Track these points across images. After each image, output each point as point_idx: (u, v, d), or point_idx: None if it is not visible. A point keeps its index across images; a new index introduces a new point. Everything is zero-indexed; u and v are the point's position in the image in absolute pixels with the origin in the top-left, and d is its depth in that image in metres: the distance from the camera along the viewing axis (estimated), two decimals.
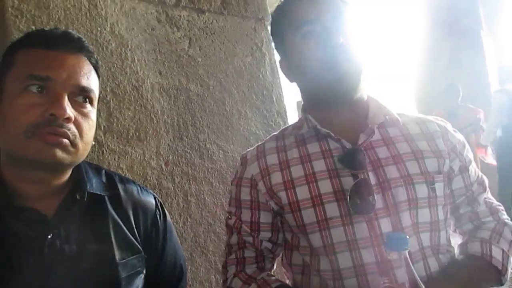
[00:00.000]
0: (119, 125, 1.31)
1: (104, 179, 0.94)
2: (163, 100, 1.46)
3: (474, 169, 1.01)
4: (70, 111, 0.78)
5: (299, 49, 0.94)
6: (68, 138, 0.78)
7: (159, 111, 1.44)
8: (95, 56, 0.89)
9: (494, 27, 5.79)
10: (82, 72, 0.83)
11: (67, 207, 0.84)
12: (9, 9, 1.14)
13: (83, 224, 0.85)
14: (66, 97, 0.79)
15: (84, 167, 0.90)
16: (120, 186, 0.94)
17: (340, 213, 0.87)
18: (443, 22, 5.35)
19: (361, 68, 0.92)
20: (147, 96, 1.41)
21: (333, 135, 0.93)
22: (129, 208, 0.93)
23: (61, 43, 0.83)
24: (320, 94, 0.95)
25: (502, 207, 1.02)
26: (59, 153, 0.78)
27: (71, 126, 0.79)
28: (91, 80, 0.84)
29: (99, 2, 1.33)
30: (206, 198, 1.51)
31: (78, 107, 0.81)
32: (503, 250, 0.92)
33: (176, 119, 1.48)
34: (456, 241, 0.99)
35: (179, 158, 1.47)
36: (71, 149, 0.79)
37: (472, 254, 0.92)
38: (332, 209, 0.88)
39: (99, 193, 0.89)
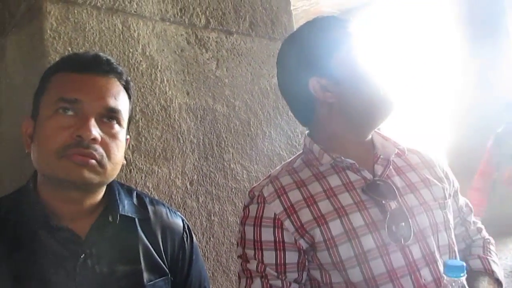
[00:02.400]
0: (147, 145, 1.34)
1: (135, 200, 0.96)
2: (190, 120, 1.49)
3: (459, 192, 1.09)
4: (96, 132, 0.81)
5: (356, 68, 0.93)
6: (95, 158, 0.81)
7: (185, 131, 1.46)
8: (126, 77, 0.91)
9: None
10: (110, 93, 0.85)
11: (100, 228, 0.87)
12: (48, 31, 1.19)
13: (114, 245, 0.87)
14: (93, 119, 0.82)
15: (116, 188, 0.93)
16: (150, 208, 0.97)
17: (376, 244, 0.87)
18: (471, 41, 5.28)
19: None
20: (174, 116, 1.44)
21: (357, 165, 0.93)
22: (158, 231, 0.95)
23: (90, 66, 0.86)
24: (365, 118, 0.95)
25: (482, 225, 1.14)
26: (87, 173, 0.81)
27: (98, 147, 0.82)
28: (119, 101, 0.87)
29: (132, 24, 1.37)
30: (229, 218, 1.52)
31: (105, 127, 0.84)
32: (496, 263, 1.03)
33: (202, 138, 1.51)
34: None
35: (204, 177, 1.49)
36: (99, 169, 0.82)
37: (478, 271, 1.00)
38: (368, 242, 0.87)
39: (130, 215, 0.92)
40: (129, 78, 0.94)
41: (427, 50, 5.88)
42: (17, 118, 1.33)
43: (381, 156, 0.97)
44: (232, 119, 1.62)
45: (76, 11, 1.23)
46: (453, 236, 0.96)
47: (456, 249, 0.96)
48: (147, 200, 0.99)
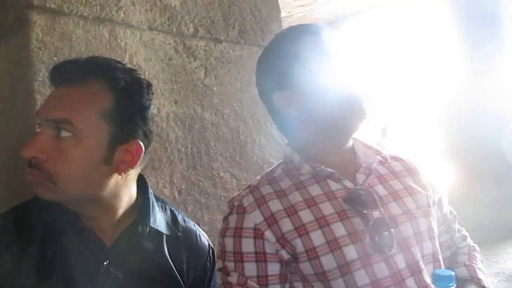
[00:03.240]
0: None
1: (168, 216, 0.98)
2: (178, 129, 1.49)
3: (445, 200, 1.08)
4: (34, 150, 0.78)
5: (314, 81, 0.92)
6: (40, 176, 0.79)
7: (173, 140, 1.46)
8: (111, 78, 0.85)
9: None
10: (58, 104, 0.81)
11: (128, 237, 0.88)
12: (34, 41, 1.19)
13: (139, 257, 0.88)
14: (43, 134, 0.80)
15: (151, 200, 0.94)
16: (181, 226, 0.99)
17: (359, 255, 0.86)
18: (466, 47, 5.31)
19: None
20: (162, 125, 1.44)
21: (337, 175, 0.92)
22: (184, 250, 0.96)
23: (56, 77, 0.86)
24: (329, 129, 0.95)
25: (467, 233, 1.13)
26: (41, 191, 0.80)
27: (43, 164, 0.78)
28: (69, 109, 0.80)
29: (119, 33, 1.37)
30: (219, 227, 1.51)
31: (55, 141, 0.80)
32: (482, 271, 1.02)
33: (190, 147, 1.50)
34: None
35: (192, 186, 1.48)
36: (51, 186, 0.79)
37: (464, 279, 0.99)
38: (350, 252, 0.86)
39: (160, 230, 0.92)
40: (119, 76, 0.86)
41: (425, 56, 5.91)
42: (5, 130, 1.33)
43: (363, 165, 0.96)
44: (221, 127, 1.62)
45: (62, 21, 1.23)
46: (437, 245, 0.96)
47: (440, 257, 0.95)
48: (179, 217, 1.00)
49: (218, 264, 0.94)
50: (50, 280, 0.80)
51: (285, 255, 0.89)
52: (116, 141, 0.84)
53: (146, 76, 1.42)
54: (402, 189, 0.96)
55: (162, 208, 0.98)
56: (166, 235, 0.93)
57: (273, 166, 1.04)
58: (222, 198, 1.56)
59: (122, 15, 1.38)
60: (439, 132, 5.80)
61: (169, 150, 1.44)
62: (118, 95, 0.84)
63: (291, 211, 0.90)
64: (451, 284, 0.75)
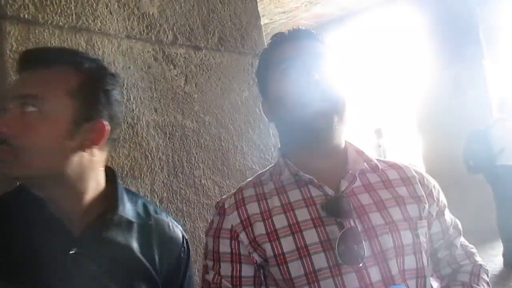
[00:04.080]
0: (113, 163, 1.32)
1: (139, 206, 0.97)
2: (158, 137, 1.48)
3: (448, 213, 1.03)
4: (0, 125, 0.81)
5: (277, 86, 0.95)
6: (6, 151, 0.81)
7: (154, 148, 1.45)
8: (78, 62, 0.90)
9: (495, 54, 5.83)
10: (27, 82, 0.86)
11: (96, 227, 0.87)
12: (7, 52, 1.17)
13: (108, 246, 0.88)
14: (7, 111, 0.83)
15: (120, 190, 0.94)
16: (153, 217, 0.98)
17: (328, 264, 0.84)
18: (444, 53, 5.40)
19: (337, 109, 0.91)
20: (142, 133, 1.43)
21: (315, 181, 0.91)
22: (156, 240, 0.96)
23: (24, 63, 0.90)
24: (295, 134, 0.95)
25: (475, 250, 1.05)
26: (5, 168, 0.82)
27: (9, 139, 0.81)
28: (33, 85, 0.84)
29: (97, 42, 1.36)
30: (201, 235, 1.50)
31: (20, 116, 0.83)
32: None
33: (171, 155, 1.50)
34: (434, 285, 0.99)
35: (174, 194, 1.47)
36: (15, 161, 0.81)
37: None
38: (319, 260, 0.85)
39: (129, 218, 0.92)
40: (85, 61, 0.91)
41: (401, 62, 5.99)
42: None
43: (350, 171, 0.94)
44: (202, 134, 1.61)
45: (37, 31, 1.22)
46: (424, 260, 0.90)
47: (426, 273, 0.91)
48: (151, 208, 1.00)
49: (202, 261, 0.99)
50: (21, 272, 0.81)
51: (257, 258, 0.90)
52: (81, 119, 0.87)
53: (125, 85, 1.41)
54: (390, 199, 0.92)
55: (133, 198, 0.98)
56: (137, 224, 0.93)
57: (266, 168, 1.05)
58: (204, 206, 1.55)
59: (99, 24, 1.37)
60: (419, 136, 5.89)
61: (150, 159, 1.43)
62: (84, 77, 0.89)
63: (266, 215, 0.91)
64: None
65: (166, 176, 1.46)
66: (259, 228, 0.90)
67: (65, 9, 1.28)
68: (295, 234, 0.87)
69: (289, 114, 0.92)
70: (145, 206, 0.99)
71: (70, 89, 0.87)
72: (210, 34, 1.73)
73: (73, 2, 1.30)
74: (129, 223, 0.92)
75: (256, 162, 1.77)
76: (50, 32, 1.24)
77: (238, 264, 0.91)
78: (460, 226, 1.05)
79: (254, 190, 0.97)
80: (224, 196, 1.01)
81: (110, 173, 0.98)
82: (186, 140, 1.56)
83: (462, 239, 1.04)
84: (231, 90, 1.77)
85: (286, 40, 0.97)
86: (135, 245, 0.91)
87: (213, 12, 1.76)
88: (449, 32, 5.38)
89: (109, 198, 0.92)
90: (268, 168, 1.04)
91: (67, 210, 0.87)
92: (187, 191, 1.51)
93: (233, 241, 0.92)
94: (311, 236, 0.87)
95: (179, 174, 1.50)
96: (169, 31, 1.58)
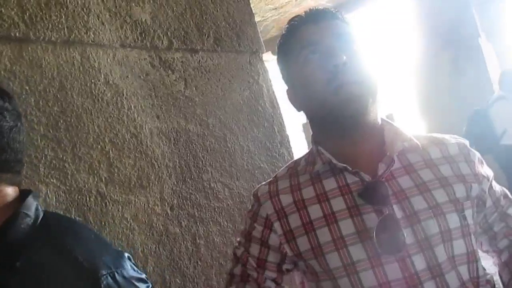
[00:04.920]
0: (120, 175, 1.30)
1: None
2: (163, 144, 1.45)
3: (496, 184, 0.96)
4: None
5: (302, 72, 0.90)
6: None
7: (159, 156, 1.43)
8: None
9: (492, 32, 5.79)
10: None
11: None
12: (2, 72, 1.15)
13: None
14: None
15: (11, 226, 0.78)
16: (24, 255, 0.76)
17: (367, 255, 0.80)
18: (440, 34, 5.36)
19: (369, 89, 0.86)
20: (146, 142, 1.40)
21: (350, 168, 0.86)
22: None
23: None
24: (327, 121, 0.89)
25: None
26: None
27: None
28: None
29: (91, 54, 1.34)
30: (215, 239, 1.48)
31: None
32: None
33: (178, 161, 1.47)
34: (487, 263, 0.92)
35: (184, 200, 1.45)
36: None
37: None
38: (357, 251, 0.81)
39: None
40: None
41: (397, 46, 5.96)
42: None
43: (388, 153, 0.87)
44: (207, 137, 1.59)
45: (30, 48, 1.20)
46: (474, 243, 0.84)
47: (477, 256, 0.84)
48: (32, 245, 0.77)
49: (238, 235, 1.05)
50: None
51: (288, 250, 0.90)
52: None
53: (125, 94, 1.39)
54: (434, 180, 0.85)
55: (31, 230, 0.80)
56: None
57: (302, 155, 1.02)
58: (216, 209, 1.52)
59: (92, 35, 1.34)
60: (422, 119, 5.84)
61: (157, 167, 1.40)
62: None
63: (300, 206, 0.89)
64: None
65: (175, 183, 1.44)
66: (295, 220, 0.89)
67: (56, 23, 1.25)
68: (331, 225, 0.84)
69: (320, 102, 0.87)
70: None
71: None
72: (205, 35, 1.70)
73: (63, 16, 1.27)
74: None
75: (264, 160, 1.75)
76: (43, 48, 1.22)
77: (266, 249, 0.94)
78: (510, 195, 0.98)
79: (289, 181, 0.95)
80: (259, 185, 1.02)
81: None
82: (192, 145, 1.53)
83: None
84: (231, 90, 1.74)
85: (305, 23, 0.91)
86: None
87: (206, 13, 1.74)
88: (443, 12, 5.34)
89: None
90: (303, 154, 1.01)
91: None
92: (197, 196, 1.48)
93: (265, 229, 0.94)
94: (347, 226, 0.83)
95: (188, 179, 1.48)
96: (163, 36, 1.56)
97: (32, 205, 0.83)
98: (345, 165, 0.86)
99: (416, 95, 5.85)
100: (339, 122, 0.87)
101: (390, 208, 0.81)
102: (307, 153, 0.99)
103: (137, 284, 0.81)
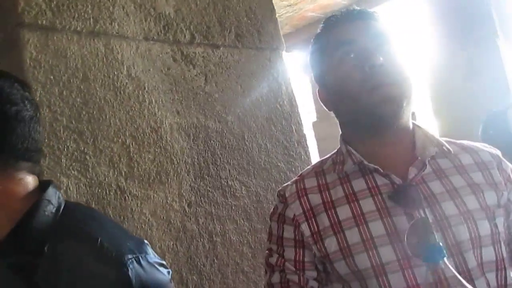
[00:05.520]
0: (140, 170, 1.29)
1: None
2: (182, 140, 1.44)
3: None
4: None
5: (337, 72, 0.89)
6: None
7: (179, 152, 1.41)
8: None
9: (509, 32, 5.70)
10: None
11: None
12: (27, 60, 1.14)
13: None
14: None
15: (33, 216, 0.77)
16: (49, 246, 0.75)
17: (397, 256, 0.79)
18: (456, 34, 5.30)
19: (405, 92, 0.85)
20: (166, 137, 1.39)
21: (381, 170, 0.85)
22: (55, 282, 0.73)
23: None
24: (360, 122, 0.88)
25: None
26: None
27: None
28: None
29: (115, 46, 1.32)
30: (232, 237, 1.47)
31: None
32: None
33: (196, 158, 1.46)
34: None
35: (202, 198, 1.43)
36: None
37: None
38: (387, 253, 0.80)
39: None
40: None
41: (414, 47, 5.89)
42: None
43: (419, 157, 0.86)
44: (226, 134, 1.57)
45: (56, 38, 1.18)
46: (503, 251, 0.83)
47: (507, 264, 0.83)
48: (56, 232, 0.76)
49: (266, 245, 0.98)
50: None
51: (316, 251, 0.88)
52: None
53: (146, 88, 1.37)
54: (465, 186, 0.85)
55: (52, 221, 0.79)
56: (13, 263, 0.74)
57: (328, 154, 1.00)
58: (232, 207, 1.51)
59: (117, 27, 1.33)
60: (435, 120, 5.79)
61: (176, 162, 1.39)
62: None
63: (329, 206, 0.88)
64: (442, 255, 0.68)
65: (193, 180, 1.43)
66: (324, 220, 0.87)
67: (82, 13, 1.24)
68: (360, 226, 0.83)
69: (354, 102, 0.86)
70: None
71: None
72: (227, 31, 1.68)
73: (89, 6, 1.26)
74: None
75: (281, 159, 1.73)
76: (69, 38, 1.21)
77: (301, 249, 0.90)
78: None
79: (316, 180, 0.93)
80: (285, 184, 0.99)
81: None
82: (210, 142, 1.52)
83: None
84: (251, 87, 1.72)
85: (341, 22, 0.91)
86: None
87: (229, 8, 1.71)
88: (461, 12, 5.27)
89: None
90: (330, 154, 0.99)
91: None
92: (214, 193, 1.47)
93: (296, 229, 0.91)
94: (377, 228, 0.82)
95: (206, 176, 1.47)
96: (186, 30, 1.54)
97: (54, 194, 0.83)
98: (376, 166, 0.86)
99: (430, 95, 5.79)
100: (372, 123, 0.87)
101: (421, 211, 0.81)
102: (334, 153, 0.98)
103: (160, 268, 0.82)
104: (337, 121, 0.98)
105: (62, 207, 0.82)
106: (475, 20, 5.24)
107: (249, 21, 1.79)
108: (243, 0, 1.78)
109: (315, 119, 5.81)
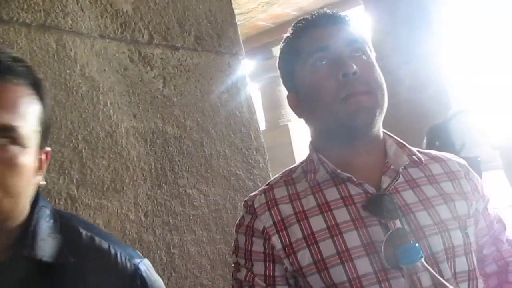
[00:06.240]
0: (93, 177, 1.19)
1: (62, 239, 0.75)
2: (139, 145, 1.35)
3: (491, 207, 0.95)
4: None
5: (309, 80, 0.86)
6: None
7: (135, 158, 1.32)
8: (32, 76, 0.73)
9: (451, 47, 5.97)
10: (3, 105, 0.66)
11: (6, 271, 0.69)
12: None
13: None
14: None
15: (36, 219, 0.73)
16: (83, 250, 0.75)
17: (373, 268, 0.77)
18: (402, 48, 5.50)
19: (378, 100, 0.82)
20: (121, 142, 1.30)
21: (354, 179, 0.82)
22: (88, 277, 0.74)
23: None
24: (333, 131, 0.85)
25: None
26: None
27: None
28: (16, 114, 0.67)
29: (68, 42, 1.22)
30: (190, 249, 1.39)
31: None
32: None
33: (153, 165, 1.37)
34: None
35: (159, 207, 1.35)
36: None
37: None
38: (363, 266, 0.77)
39: (40, 258, 0.71)
40: (37, 75, 0.75)
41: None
42: None
43: (392, 166, 0.84)
44: (184, 140, 1.50)
45: (1, 29, 1.07)
46: (475, 261, 0.83)
47: (478, 274, 0.83)
48: (85, 237, 0.77)
49: (232, 258, 0.92)
50: None
51: (288, 265, 0.82)
52: (39, 149, 0.74)
53: (101, 89, 1.28)
54: (437, 196, 0.84)
55: (55, 227, 0.76)
56: (58, 264, 0.73)
57: (296, 163, 0.95)
58: (191, 217, 1.44)
59: (70, 22, 1.23)
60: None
61: (132, 169, 1.30)
62: (43, 96, 0.75)
63: (301, 217, 0.83)
64: (419, 256, 0.66)
65: (150, 188, 1.34)
66: (296, 232, 0.82)
67: (32, 4, 1.13)
68: (335, 237, 0.79)
69: (327, 111, 0.83)
70: (74, 234, 0.77)
71: (39, 115, 0.72)
72: (186, 33, 1.62)
73: None
74: (45, 263, 0.72)
75: (240, 167, 1.68)
76: (16, 30, 1.10)
77: (271, 263, 0.85)
78: (504, 220, 0.97)
79: (286, 189, 0.89)
80: (252, 193, 0.93)
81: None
82: (168, 147, 1.44)
83: (507, 233, 0.96)
84: (210, 92, 1.67)
85: (313, 27, 0.87)
86: None
87: (188, 9, 1.65)
88: (407, 28, 5.47)
89: (20, 233, 0.72)
90: (298, 163, 0.95)
91: None
92: (172, 202, 1.39)
93: (266, 242, 0.85)
94: (352, 239, 0.78)
95: (163, 184, 1.38)
96: (144, 30, 1.46)
97: (44, 197, 0.80)
98: (349, 175, 0.83)
99: None
100: (345, 132, 0.84)
101: (397, 221, 0.79)
102: (303, 161, 0.94)
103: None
104: (299, 128, 0.96)
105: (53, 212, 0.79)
106: (420, 34, 5.45)
107: (209, 24, 1.73)
108: (203, 2, 1.73)
109: (264, 127, 5.83)
